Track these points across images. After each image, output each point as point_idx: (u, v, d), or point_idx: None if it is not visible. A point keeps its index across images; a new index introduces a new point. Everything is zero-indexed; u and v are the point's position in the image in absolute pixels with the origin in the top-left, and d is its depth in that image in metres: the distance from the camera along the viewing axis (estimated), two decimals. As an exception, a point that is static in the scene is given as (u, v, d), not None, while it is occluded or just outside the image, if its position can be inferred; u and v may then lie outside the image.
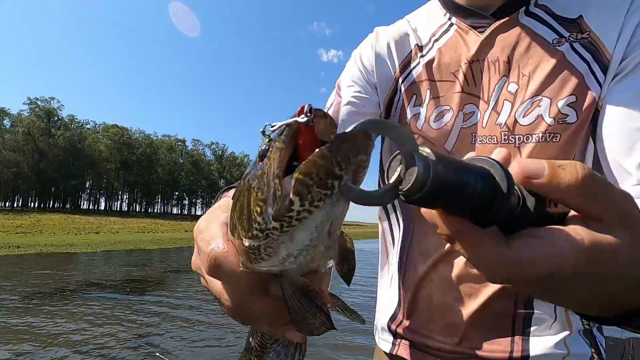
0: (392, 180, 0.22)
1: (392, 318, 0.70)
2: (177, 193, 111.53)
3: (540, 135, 0.51)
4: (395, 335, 0.69)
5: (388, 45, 0.69)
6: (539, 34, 0.53)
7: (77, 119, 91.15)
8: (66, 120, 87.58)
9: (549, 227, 0.23)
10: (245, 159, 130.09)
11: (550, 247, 0.22)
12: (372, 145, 0.23)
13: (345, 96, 0.73)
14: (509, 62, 0.55)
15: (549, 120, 0.51)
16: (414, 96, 0.64)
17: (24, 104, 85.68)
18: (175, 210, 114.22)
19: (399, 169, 0.21)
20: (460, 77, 0.59)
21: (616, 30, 0.47)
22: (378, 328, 0.74)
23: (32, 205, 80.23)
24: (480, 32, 0.58)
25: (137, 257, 14.57)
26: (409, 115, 0.64)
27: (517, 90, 0.54)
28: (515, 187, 0.23)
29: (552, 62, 0.51)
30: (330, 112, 0.70)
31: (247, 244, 0.26)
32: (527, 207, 0.23)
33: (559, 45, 0.51)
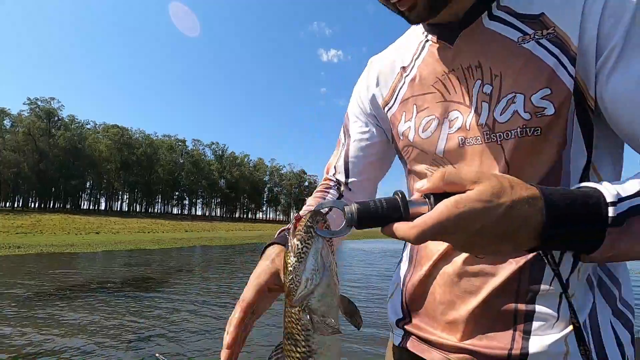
0: (344, 223, 0.42)
1: (401, 315, 0.74)
2: (177, 193, 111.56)
3: (519, 130, 0.54)
4: (404, 330, 0.73)
5: (378, 75, 0.75)
6: (503, 34, 0.55)
7: (77, 119, 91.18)
8: (66, 120, 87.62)
9: (438, 203, 0.38)
10: (245, 159, 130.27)
11: (434, 210, 0.37)
12: (323, 219, 0.45)
13: (352, 134, 0.80)
14: (480, 66, 0.58)
15: (525, 115, 0.53)
16: (404, 113, 0.69)
17: (24, 104, 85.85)
18: (175, 210, 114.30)
19: (345, 218, 0.41)
20: (440, 87, 0.63)
21: (578, 24, 0.48)
22: (391, 323, 0.78)
23: (32, 205, 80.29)
24: (450, 44, 0.61)
25: (137, 257, 14.58)
26: (401, 130, 0.69)
27: (491, 90, 0.57)
28: (425, 197, 0.41)
29: (521, 59, 0.54)
30: (342, 154, 0.83)
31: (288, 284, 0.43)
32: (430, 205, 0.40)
33: (525, 43, 0.54)
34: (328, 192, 0.81)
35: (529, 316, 0.55)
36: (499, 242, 0.37)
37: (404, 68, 0.70)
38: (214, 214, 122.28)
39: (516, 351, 0.55)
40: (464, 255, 0.60)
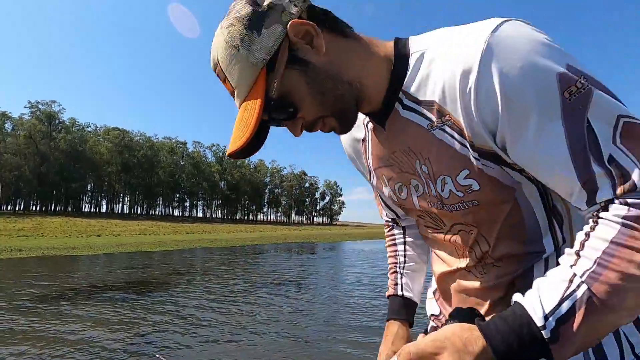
0: None
1: (437, 311, 0.83)
2: (178, 195, 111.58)
3: (462, 204, 0.59)
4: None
5: (351, 149, 0.82)
6: (417, 123, 0.59)
7: (78, 122, 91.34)
8: (67, 123, 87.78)
9: None
10: (246, 161, 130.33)
11: None
12: None
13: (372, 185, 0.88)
14: (411, 150, 0.62)
15: (458, 193, 0.59)
16: (381, 179, 0.75)
17: (25, 107, 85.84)
18: (176, 212, 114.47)
19: None
20: (393, 162, 0.68)
21: (462, 113, 0.52)
22: (428, 315, 0.87)
23: (33, 208, 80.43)
24: (383, 128, 0.65)
25: (138, 260, 14.60)
26: (386, 194, 0.77)
27: (427, 170, 0.61)
28: None
29: (435, 145, 0.58)
30: (380, 200, 0.95)
31: None
32: None
33: (433, 130, 0.57)
34: (395, 240, 0.97)
35: None
36: None
37: (363, 142, 0.76)
38: (214, 215, 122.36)
39: None
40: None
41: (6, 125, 76.60)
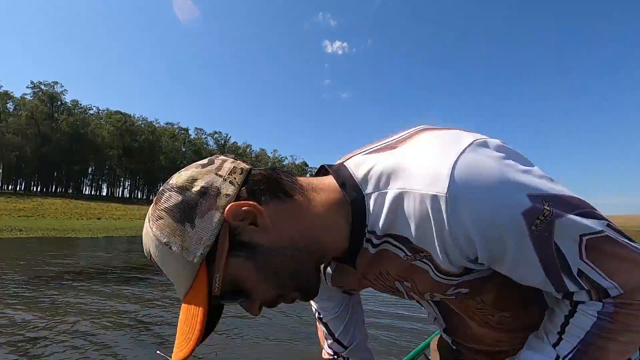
0: None
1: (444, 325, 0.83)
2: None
3: (455, 297, 0.63)
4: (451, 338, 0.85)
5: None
6: (393, 252, 0.57)
7: (80, 104, 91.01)
8: (69, 105, 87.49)
9: None
10: (248, 149, 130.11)
11: None
12: None
13: (321, 305, 0.88)
14: (388, 273, 0.61)
15: (451, 297, 0.62)
16: (341, 289, 0.78)
17: (27, 87, 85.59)
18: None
19: None
20: (365, 284, 0.68)
21: (438, 251, 0.52)
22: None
23: (34, 189, 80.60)
24: (354, 267, 0.62)
25: (138, 244, 14.67)
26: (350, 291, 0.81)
27: (411, 286, 0.62)
28: None
29: (418, 272, 0.58)
30: (325, 332, 0.89)
31: None
32: None
33: (413, 261, 0.57)
34: None
35: None
36: None
37: (327, 266, 0.72)
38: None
39: None
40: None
41: (8, 105, 76.38)
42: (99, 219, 30.50)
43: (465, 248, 0.51)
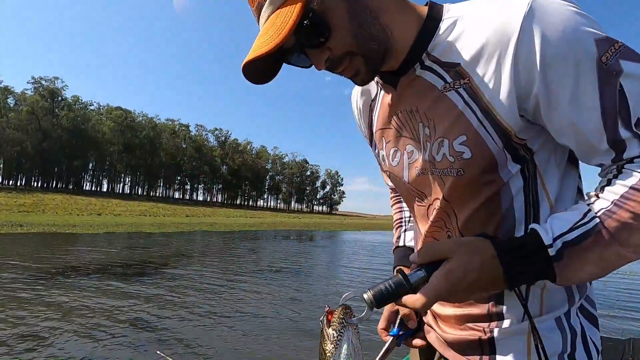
0: (366, 309, 0.53)
1: None
2: (179, 178, 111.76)
3: (449, 170, 0.61)
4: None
5: (360, 108, 0.82)
6: (431, 82, 0.60)
7: (81, 99, 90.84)
8: (70, 100, 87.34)
9: (431, 277, 0.52)
10: (248, 146, 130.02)
11: (430, 284, 0.50)
12: (351, 311, 0.55)
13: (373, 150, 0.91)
14: (417, 110, 0.63)
15: (450, 158, 0.60)
16: (380, 142, 0.76)
17: (28, 82, 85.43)
18: (177, 195, 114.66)
19: (366, 304, 0.53)
20: (394, 124, 0.69)
21: (490, 78, 0.54)
22: None
23: (35, 184, 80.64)
24: (394, 88, 0.66)
25: (138, 240, 14.66)
26: (380, 155, 0.77)
27: (429, 132, 0.62)
28: (418, 270, 0.53)
29: (444, 106, 0.59)
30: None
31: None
32: (425, 278, 0.52)
33: (446, 91, 0.59)
34: (401, 200, 0.98)
35: (500, 315, 0.64)
36: (479, 292, 0.52)
37: (373, 101, 0.76)
38: (215, 199, 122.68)
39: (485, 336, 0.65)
40: None
41: (9, 100, 76.23)
42: (99, 214, 30.51)
43: (523, 74, 0.51)
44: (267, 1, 0.54)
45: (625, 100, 0.47)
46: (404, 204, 0.96)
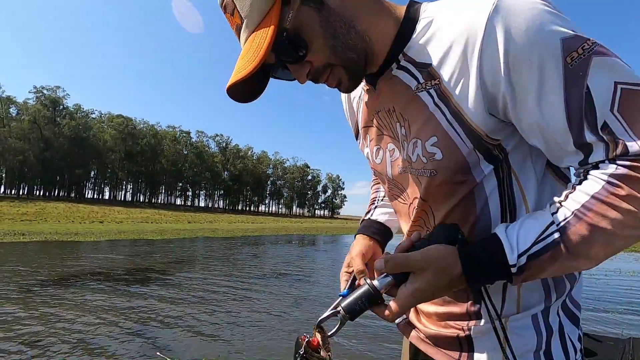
0: (338, 324, 0.56)
1: None
2: (180, 184, 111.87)
3: (423, 170, 0.61)
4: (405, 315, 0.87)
5: (346, 103, 0.84)
6: (406, 82, 0.60)
7: (82, 108, 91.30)
8: (71, 109, 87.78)
9: (399, 288, 0.55)
10: (249, 152, 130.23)
11: (398, 300, 0.54)
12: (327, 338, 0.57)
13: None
14: (394, 110, 0.64)
15: (423, 159, 0.60)
16: (365, 139, 0.77)
17: (29, 92, 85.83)
18: (178, 201, 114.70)
19: (339, 319, 0.56)
20: (376, 123, 0.70)
21: (457, 79, 0.54)
22: None
23: (37, 193, 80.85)
24: (374, 88, 0.67)
25: (140, 247, 14.67)
26: (365, 153, 0.79)
27: (405, 132, 0.63)
28: (388, 276, 0.56)
29: (416, 107, 0.59)
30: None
31: None
32: (394, 286, 0.55)
33: (419, 92, 0.59)
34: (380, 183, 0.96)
35: (477, 314, 0.64)
36: (442, 295, 0.55)
37: (358, 100, 0.78)
38: (216, 205, 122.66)
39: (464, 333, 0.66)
40: None
41: (11, 110, 76.69)
42: (101, 222, 30.55)
43: (489, 73, 0.51)
44: (244, 24, 0.56)
45: (592, 102, 0.46)
46: (382, 186, 0.94)
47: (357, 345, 4.32)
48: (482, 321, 0.63)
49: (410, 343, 0.83)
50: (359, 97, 0.77)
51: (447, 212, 0.62)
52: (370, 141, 0.74)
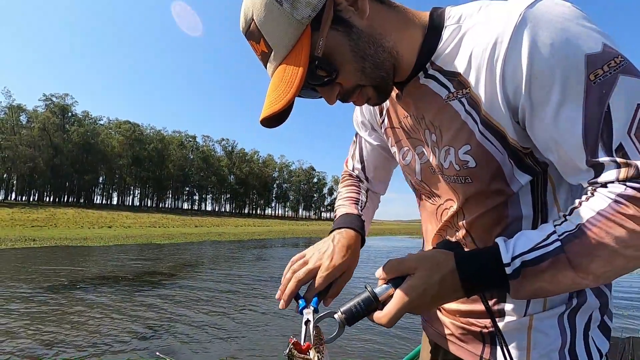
0: (337, 329, 0.56)
1: None
2: (187, 188, 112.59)
3: (456, 177, 0.62)
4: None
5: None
6: (435, 91, 0.60)
7: (90, 115, 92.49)
8: (80, 116, 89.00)
9: (394, 294, 0.54)
10: (255, 155, 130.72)
11: (393, 300, 0.53)
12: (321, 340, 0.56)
13: (361, 135, 0.92)
14: (423, 118, 0.64)
15: (456, 167, 0.61)
16: (389, 138, 0.78)
17: (39, 100, 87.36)
18: (185, 206, 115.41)
19: (337, 323, 0.55)
20: (404, 126, 0.71)
21: (484, 88, 0.54)
22: None
23: (47, 199, 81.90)
24: (402, 93, 0.67)
25: (148, 252, 14.82)
26: (392, 152, 0.79)
27: (436, 139, 0.63)
28: (386, 283, 0.55)
29: (448, 116, 0.60)
30: (357, 152, 0.95)
31: None
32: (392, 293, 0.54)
33: (450, 100, 0.59)
34: (360, 187, 0.93)
35: (501, 312, 0.64)
36: (442, 302, 0.53)
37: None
38: (223, 209, 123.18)
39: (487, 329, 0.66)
40: None
41: (21, 118, 77.99)
42: (110, 227, 30.89)
43: (510, 84, 0.50)
44: (272, 54, 0.55)
45: (610, 122, 0.45)
46: (362, 193, 0.92)
47: (371, 343, 4.34)
48: (507, 318, 0.63)
49: (430, 340, 0.82)
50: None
51: (478, 215, 0.63)
52: (397, 142, 0.75)
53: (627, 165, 0.45)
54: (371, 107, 0.82)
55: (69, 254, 13.04)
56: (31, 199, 77.84)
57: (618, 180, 0.46)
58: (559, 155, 0.51)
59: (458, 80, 0.57)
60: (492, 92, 0.53)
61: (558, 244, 0.47)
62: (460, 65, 0.56)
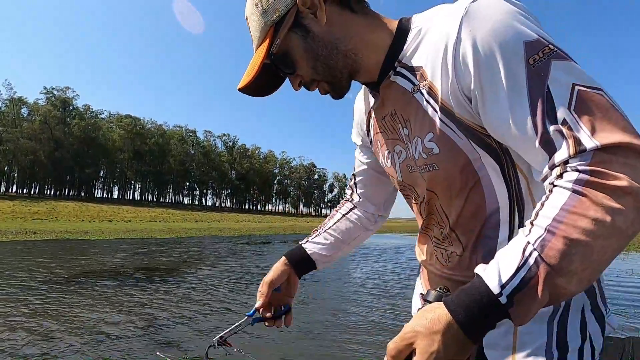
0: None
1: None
2: (188, 183, 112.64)
3: (424, 166, 0.66)
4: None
5: (359, 110, 0.90)
6: (403, 86, 0.67)
7: (92, 108, 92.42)
8: (81, 109, 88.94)
9: None
10: (256, 151, 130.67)
11: None
12: None
13: (356, 154, 0.99)
14: (396, 113, 0.70)
15: (423, 155, 0.65)
16: (374, 147, 0.85)
17: (40, 93, 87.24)
18: (186, 200, 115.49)
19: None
20: (383, 128, 0.77)
21: (440, 77, 0.59)
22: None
23: (48, 192, 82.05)
24: (378, 95, 0.74)
25: (148, 246, 14.85)
26: (380, 160, 0.84)
27: (408, 133, 0.69)
28: None
29: (413, 107, 0.65)
30: (355, 167, 1.00)
31: None
32: None
33: (414, 93, 0.65)
34: (343, 206, 1.03)
35: None
36: (460, 356, 0.48)
37: (370, 108, 0.83)
38: (223, 204, 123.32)
39: None
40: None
41: (22, 111, 77.96)
42: (110, 221, 30.96)
43: (461, 73, 0.56)
44: (253, 39, 0.70)
45: (552, 100, 0.49)
46: (337, 216, 1.01)
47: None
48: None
49: None
50: (372, 106, 0.82)
51: (459, 212, 0.65)
52: (381, 147, 0.80)
53: (574, 137, 0.47)
54: (361, 122, 0.89)
55: (70, 247, 13.07)
56: (32, 192, 77.99)
57: (570, 157, 0.47)
58: (513, 139, 0.53)
59: (420, 74, 0.62)
60: (447, 81, 0.58)
61: (535, 254, 0.46)
62: (421, 60, 0.62)
